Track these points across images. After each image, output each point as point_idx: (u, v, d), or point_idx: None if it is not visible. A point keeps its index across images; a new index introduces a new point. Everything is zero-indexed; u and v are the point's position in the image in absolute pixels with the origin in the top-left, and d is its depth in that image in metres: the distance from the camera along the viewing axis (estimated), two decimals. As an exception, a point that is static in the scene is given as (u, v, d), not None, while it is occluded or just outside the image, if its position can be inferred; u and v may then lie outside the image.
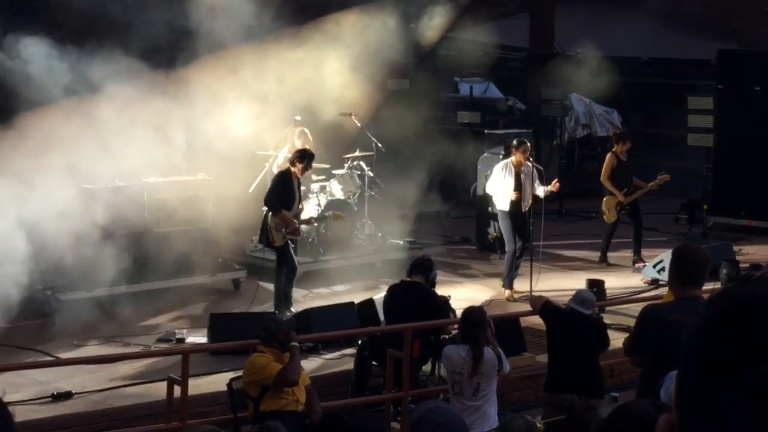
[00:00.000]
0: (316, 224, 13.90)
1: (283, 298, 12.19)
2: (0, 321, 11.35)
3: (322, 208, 14.04)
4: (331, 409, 5.35)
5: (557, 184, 13.28)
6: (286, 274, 12.24)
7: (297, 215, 12.40)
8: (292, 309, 12.05)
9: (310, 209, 13.85)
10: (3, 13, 13.17)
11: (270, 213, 12.14)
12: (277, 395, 8.25)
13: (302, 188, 12.95)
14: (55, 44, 11.94)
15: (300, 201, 12.69)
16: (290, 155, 12.77)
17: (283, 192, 12.18)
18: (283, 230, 12.09)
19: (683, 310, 5.72)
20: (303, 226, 13.08)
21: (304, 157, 12.23)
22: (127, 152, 12.29)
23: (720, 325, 1.31)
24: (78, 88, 11.87)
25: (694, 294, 5.79)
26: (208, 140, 12.93)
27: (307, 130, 14.04)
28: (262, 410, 8.17)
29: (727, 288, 1.36)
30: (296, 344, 8.36)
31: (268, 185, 12.76)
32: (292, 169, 12.25)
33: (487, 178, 14.85)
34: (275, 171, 13.25)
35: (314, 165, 14.14)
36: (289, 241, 12.25)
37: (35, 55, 11.97)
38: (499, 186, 13.27)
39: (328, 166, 14.60)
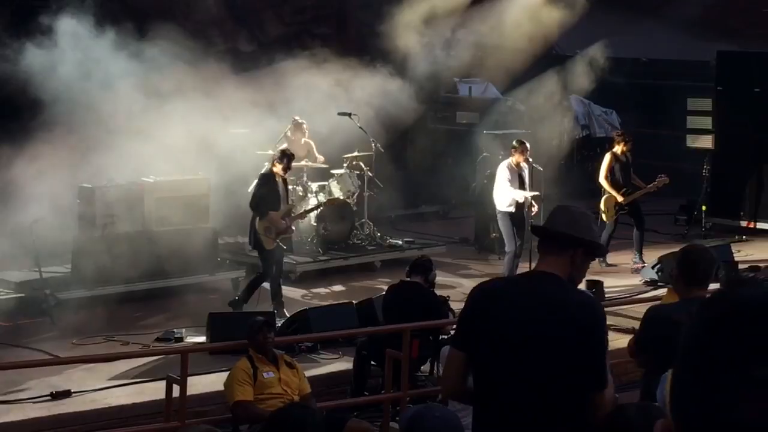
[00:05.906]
0: (312, 213, 13.90)
1: (272, 300, 12.14)
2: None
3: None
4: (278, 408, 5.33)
5: (534, 208, 13.22)
6: (271, 276, 12.21)
7: (287, 214, 12.35)
8: (285, 312, 11.96)
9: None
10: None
11: (257, 217, 12.10)
12: (267, 397, 8.23)
13: (290, 187, 12.88)
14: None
15: (288, 199, 12.61)
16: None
17: (266, 193, 12.13)
18: (274, 234, 12.04)
19: (688, 311, 5.70)
20: (300, 221, 13.07)
21: (283, 157, 12.21)
22: (129, 150, 12.32)
23: (720, 327, 1.31)
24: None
25: (699, 295, 5.79)
26: (211, 139, 12.95)
27: (304, 122, 14.08)
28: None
29: (721, 291, 1.36)
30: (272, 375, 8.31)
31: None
32: (275, 169, 12.24)
33: (486, 178, 14.84)
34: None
35: (314, 165, 14.19)
36: (279, 242, 12.22)
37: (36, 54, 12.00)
38: (507, 186, 13.21)
39: (326, 166, 14.58)
